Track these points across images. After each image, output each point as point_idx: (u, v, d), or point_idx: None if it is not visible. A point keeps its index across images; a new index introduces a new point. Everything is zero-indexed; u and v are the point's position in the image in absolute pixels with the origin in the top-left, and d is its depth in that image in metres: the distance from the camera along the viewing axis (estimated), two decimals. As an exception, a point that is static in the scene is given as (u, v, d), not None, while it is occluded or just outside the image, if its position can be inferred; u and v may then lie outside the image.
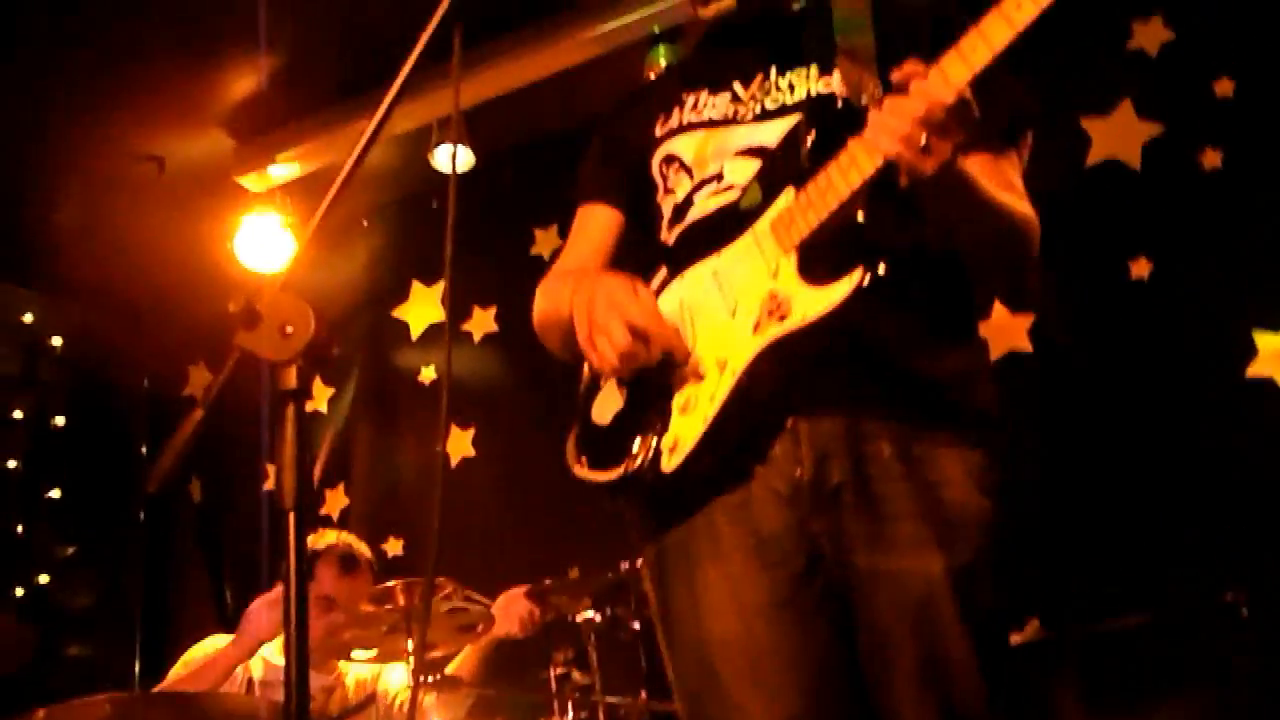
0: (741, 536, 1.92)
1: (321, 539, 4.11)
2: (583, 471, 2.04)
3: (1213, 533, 4.01)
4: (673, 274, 2.05)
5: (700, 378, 1.94)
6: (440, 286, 5.83)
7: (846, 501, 1.89)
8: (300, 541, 1.54)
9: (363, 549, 4.08)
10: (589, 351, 1.97)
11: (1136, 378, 4.31)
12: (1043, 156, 2.16)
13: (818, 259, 1.84)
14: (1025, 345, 4.56)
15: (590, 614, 3.74)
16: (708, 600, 1.92)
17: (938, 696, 1.83)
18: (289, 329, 1.62)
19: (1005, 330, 4.56)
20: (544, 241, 5.63)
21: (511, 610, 3.78)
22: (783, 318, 1.86)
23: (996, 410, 2.00)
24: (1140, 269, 4.42)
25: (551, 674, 3.76)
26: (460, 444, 5.55)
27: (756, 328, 1.89)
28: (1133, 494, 4.20)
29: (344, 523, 5.79)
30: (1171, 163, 4.44)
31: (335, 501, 5.84)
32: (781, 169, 1.93)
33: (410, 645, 3.37)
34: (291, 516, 1.53)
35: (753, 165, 2.00)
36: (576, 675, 3.78)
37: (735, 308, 1.93)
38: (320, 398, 5.94)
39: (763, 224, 1.93)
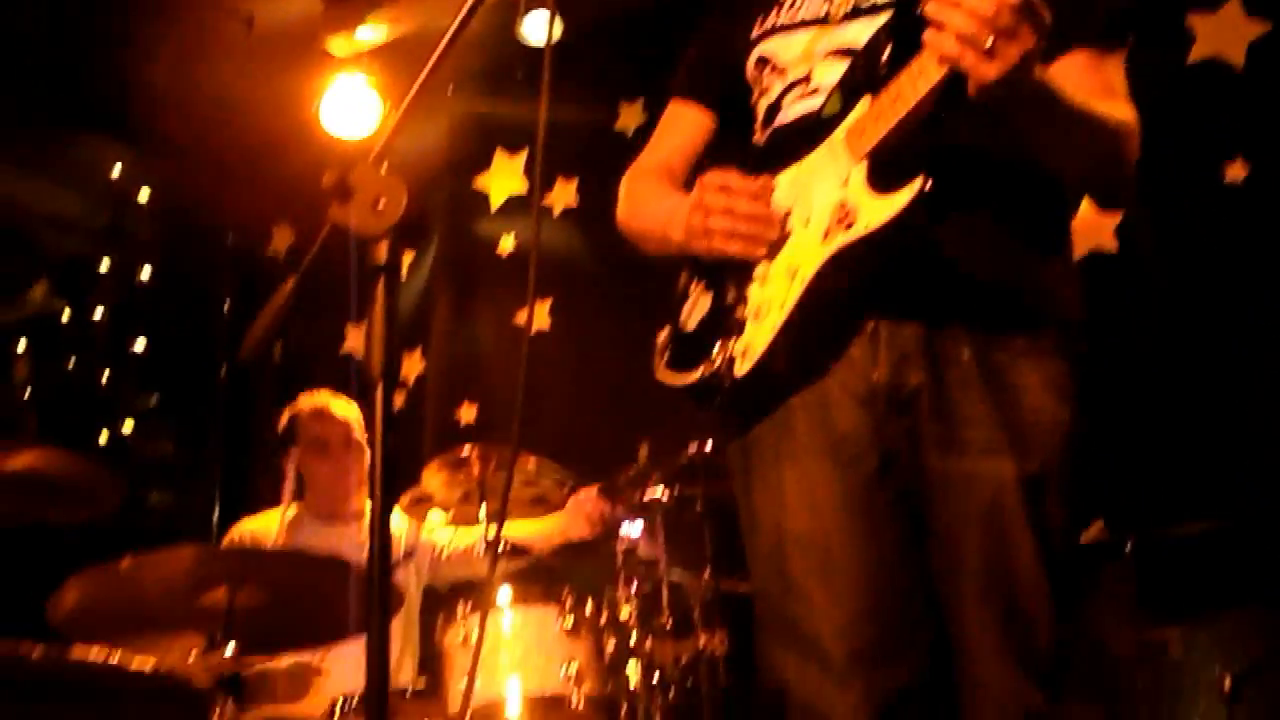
0: (818, 436, 1.96)
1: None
2: (664, 374, 2.09)
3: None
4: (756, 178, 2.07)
5: (775, 284, 1.96)
6: (522, 157, 5.84)
7: (922, 405, 1.92)
8: (388, 411, 1.60)
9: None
10: (699, 238, 1.99)
11: (1224, 283, 4.26)
12: (1142, 53, 2.12)
13: (887, 168, 1.85)
14: (1110, 244, 4.50)
15: (658, 492, 3.79)
16: (784, 497, 1.97)
17: (1001, 600, 1.87)
18: (381, 204, 1.65)
19: (1091, 228, 4.50)
20: (628, 115, 5.61)
21: (580, 511, 3.87)
22: (849, 226, 1.87)
23: (1081, 318, 2.01)
24: (1236, 172, 4.33)
25: (617, 548, 3.84)
26: (537, 317, 5.60)
27: (825, 236, 1.91)
28: (1208, 402, 4.17)
29: (419, 387, 5.90)
30: (1277, 63, 4.32)
31: (411, 366, 5.93)
32: (862, 76, 1.92)
33: (483, 513, 3.45)
34: (380, 387, 1.58)
35: (840, 67, 2.00)
36: (642, 550, 3.86)
37: (809, 216, 1.95)
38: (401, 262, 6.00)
39: (839, 132, 1.94)
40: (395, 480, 1.64)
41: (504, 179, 5.91)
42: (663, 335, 2.16)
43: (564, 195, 5.69)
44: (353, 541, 4.09)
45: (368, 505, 3.70)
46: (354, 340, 6.14)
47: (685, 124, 2.30)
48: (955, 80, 1.73)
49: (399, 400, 5.67)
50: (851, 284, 1.91)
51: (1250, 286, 4.21)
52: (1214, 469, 4.07)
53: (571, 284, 5.55)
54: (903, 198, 1.81)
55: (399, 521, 4.19)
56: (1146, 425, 4.24)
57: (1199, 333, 4.25)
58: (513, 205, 5.88)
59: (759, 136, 2.15)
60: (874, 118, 1.85)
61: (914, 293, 1.94)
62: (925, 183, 1.79)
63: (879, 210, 1.84)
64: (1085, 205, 4.54)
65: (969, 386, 1.91)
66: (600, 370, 5.39)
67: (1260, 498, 3.81)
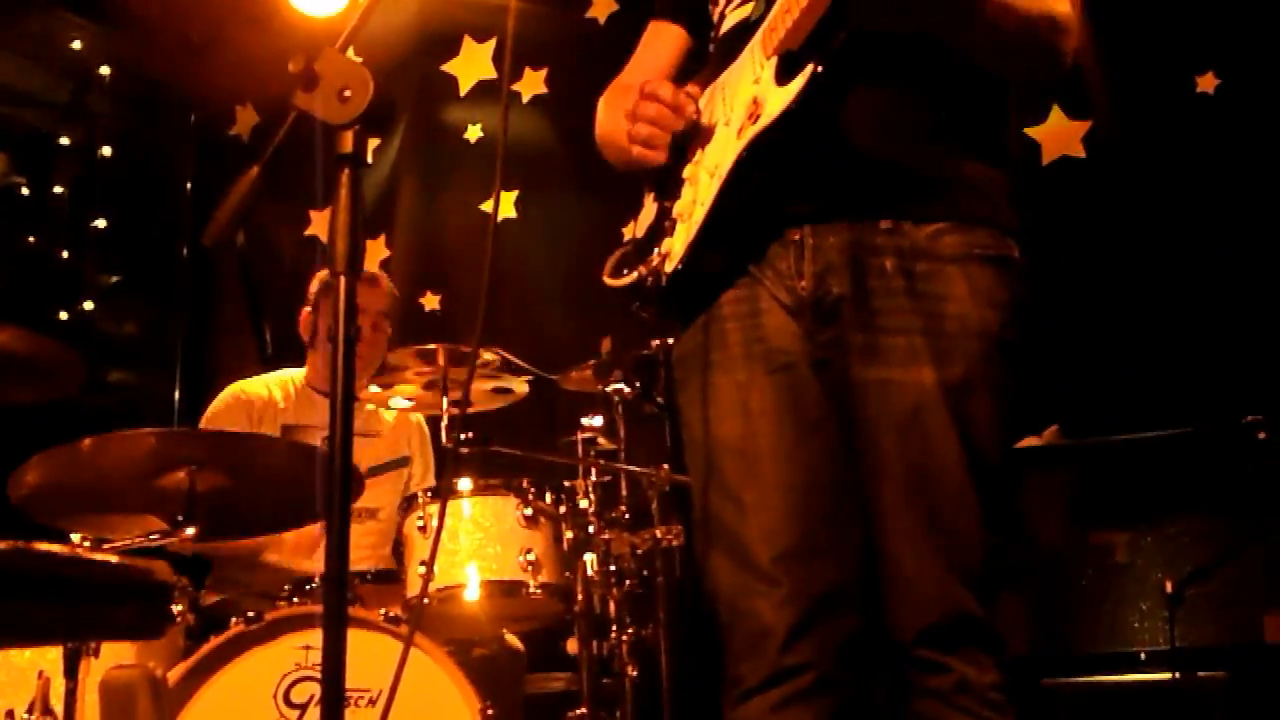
0: (749, 345, 2.03)
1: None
2: (608, 278, 2.15)
3: (1245, 357, 4.06)
4: (703, 89, 2.12)
5: (697, 185, 2.02)
6: (490, 45, 5.80)
7: (846, 314, 1.97)
8: (351, 305, 1.62)
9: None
10: (630, 145, 2.05)
11: (1190, 195, 4.30)
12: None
13: (794, 61, 1.89)
14: (1079, 151, 4.54)
15: (619, 385, 3.84)
16: (716, 404, 2.03)
17: (924, 504, 1.92)
18: (347, 92, 1.66)
19: (1060, 135, 4.54)
20: (600, 6, 5.57)
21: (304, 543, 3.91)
22: (756, 119, 1.91)
23: (1013, 226, 2.04)
24: (1207, 83, 4.36)
25: (578, 438, 3.89)
26: (503, 205, 5.60)
27: (739, 132, 1.95)
28: (1172, 310, 4.24)
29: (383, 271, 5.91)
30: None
31: (375, 252, 5.93)
32: None
33: (444, 403, 3.50)
34: (342, 280, 1.61)
35: None
36: (602, 441, 3.91)
37: (730, 117, 1.99)
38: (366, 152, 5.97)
39: (757, 36, 1.97)
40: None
41: (473, 64, 5.87)
42: (623, 245, 2.22)
43: (533, 83, 5.66)
44: (362, 422, 4.12)
45: (368, 391, 3.73)
46: (319, 224, 6.12)
47: (661, 40, 2.35)
48: None
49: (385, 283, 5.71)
50: (765, 178, 1.95)
51: (1219, 197, 4.26)
52: (1174, 377, 4.16)
53: (539, 174, 5.55)
54: (797, 84, 1.85)
55: (408, 423, 4.26)
56: (1109, 333, 4.31)
57: (1165, 242, 4.31)
58: (481, 92, 5.85)
59: (711, 46, 2.20)
60: (782, 13, 1.90)
61: (833, 188, 1.97)
62: (816, 68, 1.83)
63: (778, 99, 1.88)
64: (1055, 114, 4.58)
65: (891, 295, 1.96)
66: (566, 262, 5.41)
67: (1216, 405, 3.90)
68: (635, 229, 2.18)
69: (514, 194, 5.62)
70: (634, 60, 2.38)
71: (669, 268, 2.04)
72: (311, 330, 4.26)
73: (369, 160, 5.98)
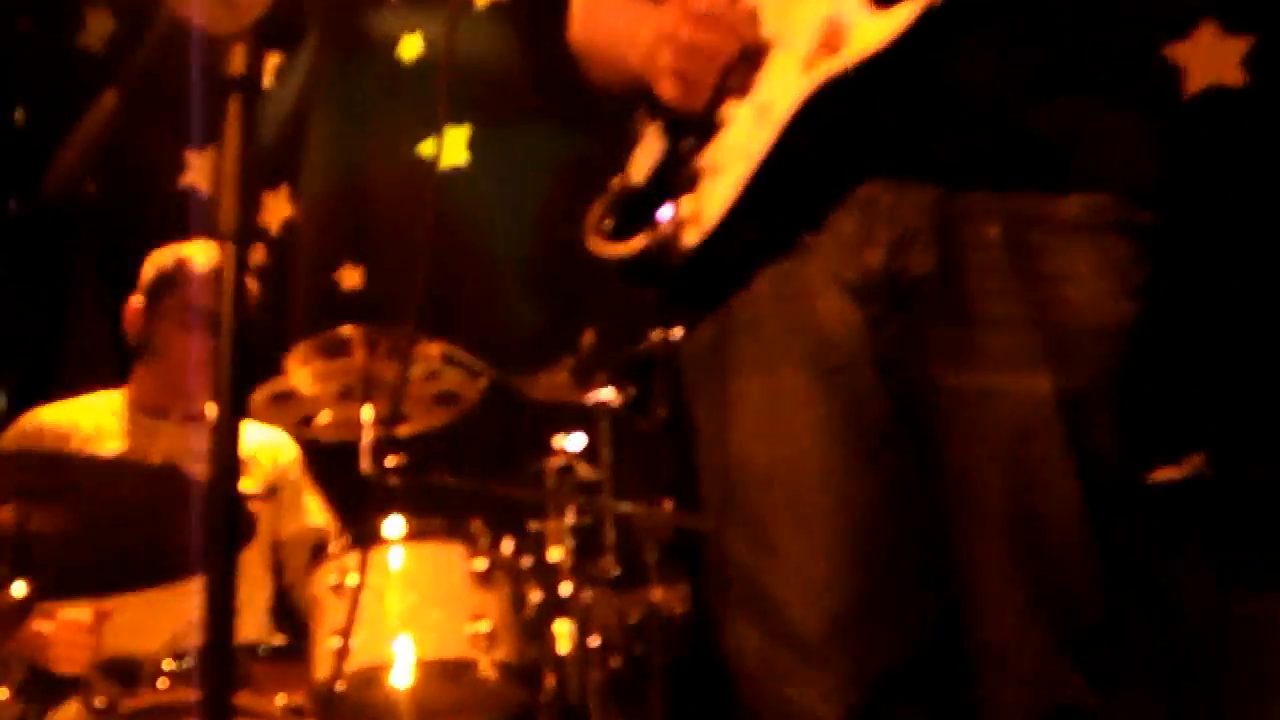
0: (794, 338, 2.02)
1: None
2: (596, 241, 2.14)
3: None
4: None
5: (742, 126, 2.01)
6: (437, -72, 5.82)
7: (930, 298, 1.96)
8: (240, 280, 1.63)
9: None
10: (659, 75, 2.05)
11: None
12: None
13: None
14: (1237, 77, 4.54)
15: (606, 394, 3.85)
16: (744, 418, 2.03)
17: (1029, 555, 1.92)
18: (237, -8, 1.67)
19: (1209, 56, 4.54)
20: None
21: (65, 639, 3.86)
22: (836, 50, 1.90)
23: (1149, 184, 2.05)
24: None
25: (549, 466, 3.90)
26: (449, 147, 5.61)
27: (807, 64, 1.94)
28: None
29: (286, 239, 5.91)
30: None
31: (275, 208, 5.93)
32: None
33: (368, 415, 3.51)
34: (230, 248, 1.61)
35: None
36: (582, 470, 3.93)
37: (790, 38, 1.99)
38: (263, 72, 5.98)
39: None
40: (250, 370, 1.68)
41: (410, -43, 5.89)
42: (609, 191, 2.22)
43: (491, -19, 5.68)
44: (192, 449, 4.14)
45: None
46: (197, 170, 6.12)
47: None
48: None
49: (256, 258, 5.69)
50: (838, 129, 1.95)
51: None
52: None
53: (497, 105, 5.56)
54: (904, 13, 1.85)
55: (266, 440, 4.27)
56: (1276, 328, 4.31)
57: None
58: (418, -10, 5.86)
59: None
60: None
61: (924, 144, 1.98)
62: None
63: (874, 30, 1.87)
64: (1206, 27, 4.59)
65: (993, 275, 1.96)
66: (534, 224, 5.42)
67: None
68: (629, 174, 2.17)
69: (464, 131, 5.63)
70: None
71: (693, 237, 2.03)
72: (141, 330, 4.28)
73: (267, 85, 5.98)
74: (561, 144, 5.38)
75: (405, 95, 5.81)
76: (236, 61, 1.67)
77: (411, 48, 5.84)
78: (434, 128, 5.59)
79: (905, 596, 1.99)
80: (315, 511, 4.36)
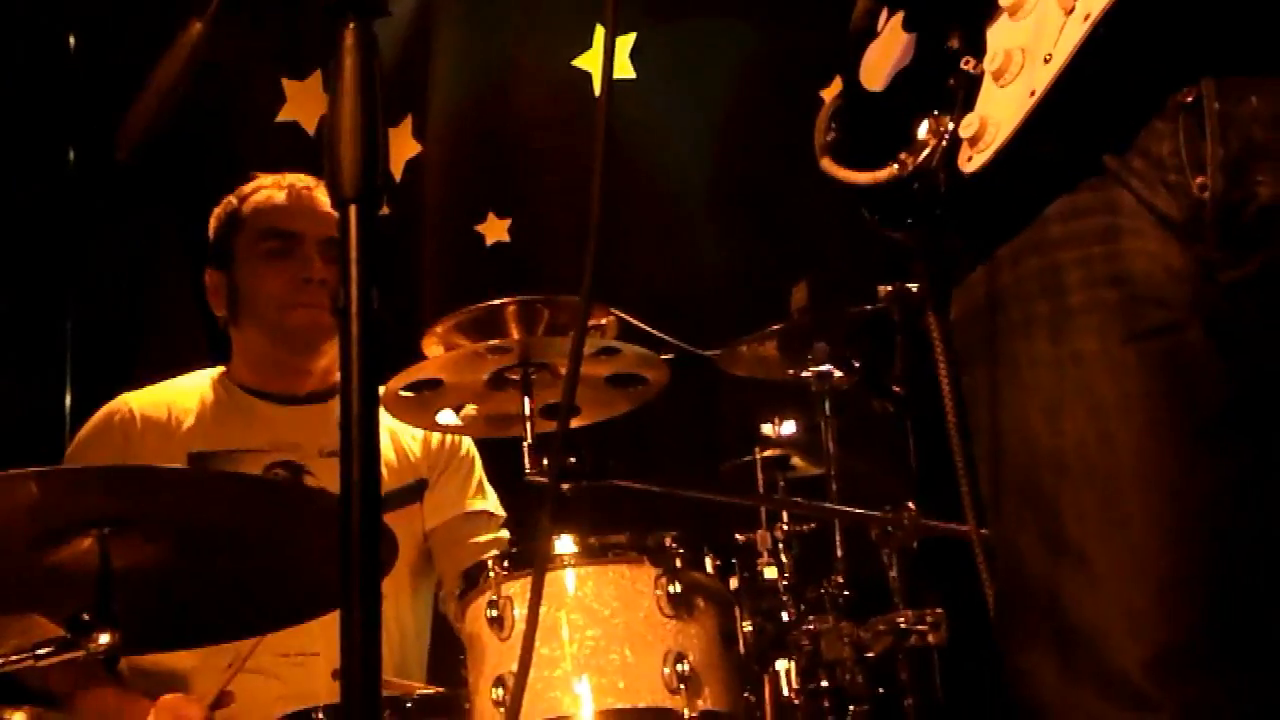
0: (1098, 289, 1.99)
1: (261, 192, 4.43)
2: (833, 168, 2.14)
3: None
4: None
5: (1036, 19, 2.00)
6: None
7: None
8: (367, 247, 1.67)
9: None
10: None
11: None
12: None
13: None
14: None
15: (825, 368, 3.87)
16: (1035, 390, 2.02)
17: None
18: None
19: None
20: None
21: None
22: None
23: None
24: None
25: (757, 459, 3.93)
26: (617, 59, 5.63)
27: None
28: None
29: (414, 181, 5.97)
30: None
31: (398, 147, 6.00)
32: None
33: (528, 408, 3.54)
34: (353, 210, 1.65)
35: None
36: (800, 464, 3.95)
37: None
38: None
39: None
40: (381, 346, 1.72)
41: None
42: (830, 99, 2.22)
43: None
44: (318, 436, 4.23)
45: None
46: (297, 104, 6.18)
47: None
48: None
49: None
50: (1176, 26, 1.93)
51: None
52: None
53: (673, 3, 5.59)
54: None
55: (399, 429, 4.35)
56: None
57: None
58: None
59: None
60: None
61: (1272, 30, 1.96)
62: None
63: None
64: None
65: None
66: (726, 151, 5.45)
67: None
68: (866, 71, 2.17)
69: (630, 37, 5.67)
70: None
71: (979, 160, 2.02)
72: (222, 296, 4.37)
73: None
74: (757, 42, 5.40)
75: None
76: None
77: (561, -66, 5.90)
78: (592, 34, 5.67)
79: (1257, 623, 1.97)
80: (488, 497, 4.45)
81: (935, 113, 2.06)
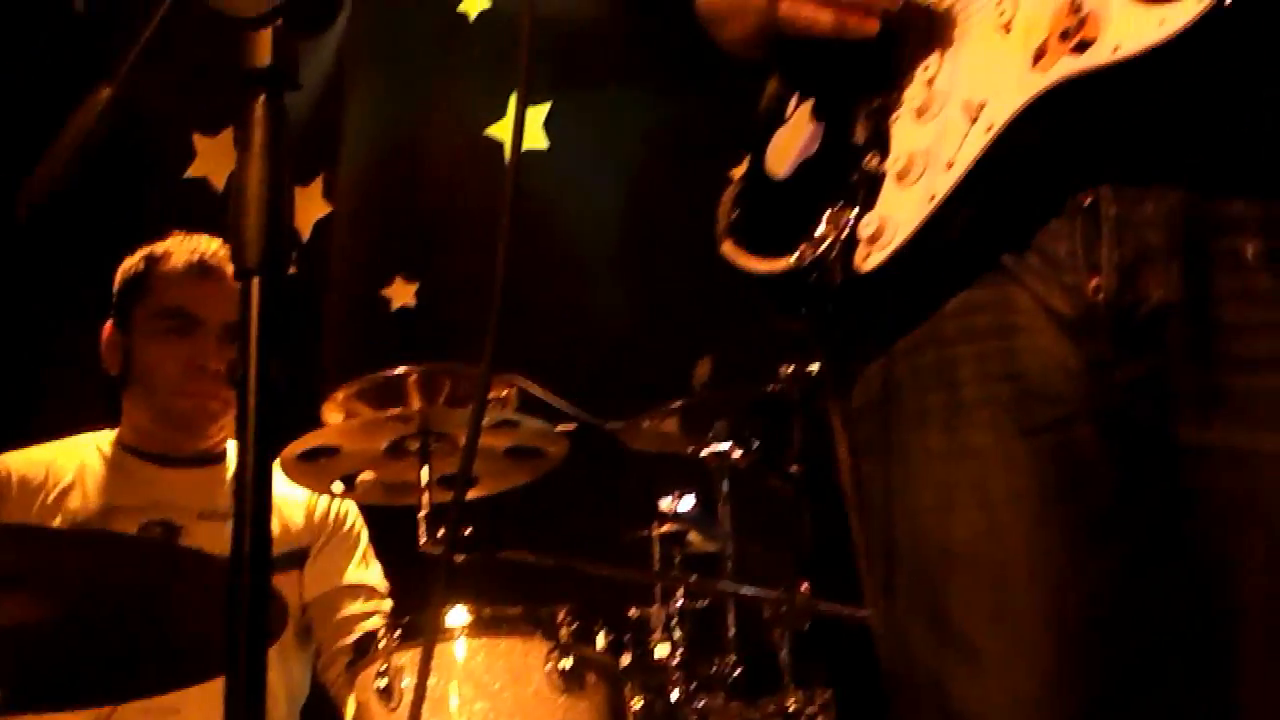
0: (992, 384, 2.01)
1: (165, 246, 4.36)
2: (733, 250, 2.16)
3: None
4: None
5: (940, 125, 2.02)
6: None
7: (1174, 334, 1.96)
8: (268, 316, 1.66)
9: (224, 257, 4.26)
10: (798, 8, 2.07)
11: None
12: None
13: None
14: None
15: (724, 446, 3.87)
16: (929, 479, 2.03)
17: None
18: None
19: None
20: None
21: None
22: (1083, 46, 1.90)
23: None
24: None
25: (653, 534, 3.93)
26: (532, 127, 5.66)
27: (1038, 57, 1.93)
28: None
29: (319, 243, 5.95)
30: None
31: (307, 207, 5.99)
32: None
33: (426, 476, 3.54)
34: (255, 282, 1.64)
35: None
36: (696, 541, 3.95)
37: (1011, 18, 1.98)
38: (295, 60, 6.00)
39: None
40: (279, 416, 1.71)
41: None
42: (735, 179, 2.23)
43: (579, -82, 5.72)
44: (199, 498, 4.19)
45: (233, 448, 3.79)
46: (207, 159, 6.15)
47: None
48: None
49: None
50: (1073, 136, 1.95)
51: None
52: None
53: (586, 71, 5.61)
54: (1185, 11, 1.83)
55: (291, 493, 4.29)
56: None
57: None
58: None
59: None
60: None
61: (1161, 141, 1.97)
62: None
63: (1138, 25, 1.86)
64: None
65: (1255, 301, 1.94)
66: (635, 225, 5.46)
67: None
68: (773, 158, 2.18)
69: (544, 108, 5.69)
70: None
71: (876, 259, 2.04)
72: (118, 355, 4.35)
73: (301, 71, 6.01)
74: (663, 120, 5.43)
75: (470, 57, 5.89)
76: (261, 50, 1.70)
77: (476, 1, 5.93)
78: (506, 103, 5.68)
79: (1144, 712, 1.99)
80: (371, 569, 4.39)
81: (837, 206, 2.07)
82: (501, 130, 5.66)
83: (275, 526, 3.82)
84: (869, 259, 2.04)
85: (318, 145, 6.02)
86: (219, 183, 6.03)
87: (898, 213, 2.03)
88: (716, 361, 4.37)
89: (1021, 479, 2.00)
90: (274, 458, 1.77)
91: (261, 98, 1.68)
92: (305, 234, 6.00)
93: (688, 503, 3.95)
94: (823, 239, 2.07)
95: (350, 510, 4.36)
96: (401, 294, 5.81)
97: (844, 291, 2.07)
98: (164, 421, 4.28)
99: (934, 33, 2.08)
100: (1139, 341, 1.96)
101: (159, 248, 4.36)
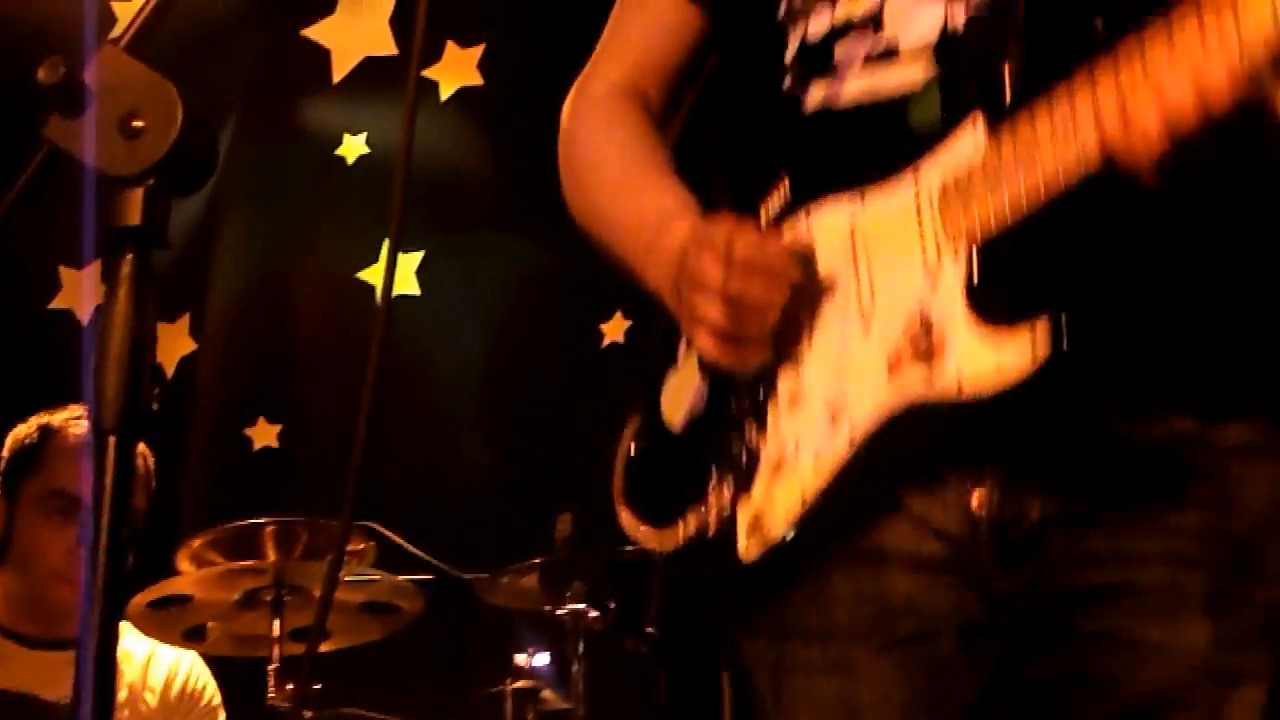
0: (859, 603, 2.03)
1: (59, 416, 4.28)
2: (631, 523, 2.18)
3: None
4: (797, 199, 2.08)
5: (807, 419, 2.04)
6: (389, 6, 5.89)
7: (1054, 548, 1.97)
8: (122, 480, 1.64)
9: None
10: (686, 320, 2.07)
11: None
12: None
13: (1001, 270, 1.88)
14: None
15: (580, 606, 3.87)
16: (809, 692, 2.08)
17: None
18: (138, 121, 1.69)
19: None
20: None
21: None
22: (930, 361, 1.91)
23: None
24: None
25: (507, 689, 3.92)
26: (403, 273, 5.66)
27: (893, 367, 1.95)
28: None
29: (183, 384, 5.92)
30: None
31: (172, 345, 5.97)
32: (972, 72, 1.94)
33: (275, 629, 3.52)
34: (112, 441, 1.62)
35: (931, 17, 2.01)
36: (548, 697, 3.94)
37: (871, 316, 2.01)
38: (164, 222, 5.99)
39: (933, 173, 1.95)
40: (129, 581, 1.69)
41: (355, 34, 5.95)
42: (631, 422, 2.25)
43: (459, 68, 5.75)
44: (62, 684, 4.13)
45: None
46: (72, 291, 6.12)
47: (662, 17, 2.33)
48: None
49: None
50: (932, 444, 1.98)
51: None
52: None
53: (458, 222, 5.63)
54: (1017, 356, 1.88)
55: (146, 652, 4.24)
56: None
57: None
58: (367, 78, 5.95)
59: (792, 85, 2.13)
60: (990, 178, 1.88)
61: (1034, 453, 2.00)
62: (1060, 333, 1.82)
63: (980, 361, 1.88)
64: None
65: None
66: (502, 374, 5.46)
67: None
68: (668, 405, 2.20)
69: (416, 256, 5.69)
70: (616, 37, 2.39)
71: (752, 551, 2.06)
72: (5, 528, 4.27)
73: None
74: (537, 275, 5.45)
75: (343, 206, 5.91)
76: (132, 208, 1.69)
77: (353, 147, 5.94)
78: (378, 249, 5.68)
79: None
80: None
81: (721, 477, 2.10)
82: (373, 274, 5.65)
83: (126, 713, 3.82)
84: (747, 550, 2.06)
85: (185, 281, 5.98)
86: (83, 316, 5.98)
87: (771, 509, 2.06)
88: (576, 517, 4.38)
89: (887, 689, 2.05)
90: (120, 609, 1.73)
91: (129, 256, 1.67)
92: (169, 371, 5.96)
93: (543, 659, 3.94)
94: (706, 514, 2.10)
95: (209, 686, 4.29)
96: (264, 434, 5.78)
97: (727, 572, 2.10)
98: (39, 604, 4.20)
99: (804, 313, 2.07)
100: (1019, 558, 1.99)
101: (56, 419, 4.27)
